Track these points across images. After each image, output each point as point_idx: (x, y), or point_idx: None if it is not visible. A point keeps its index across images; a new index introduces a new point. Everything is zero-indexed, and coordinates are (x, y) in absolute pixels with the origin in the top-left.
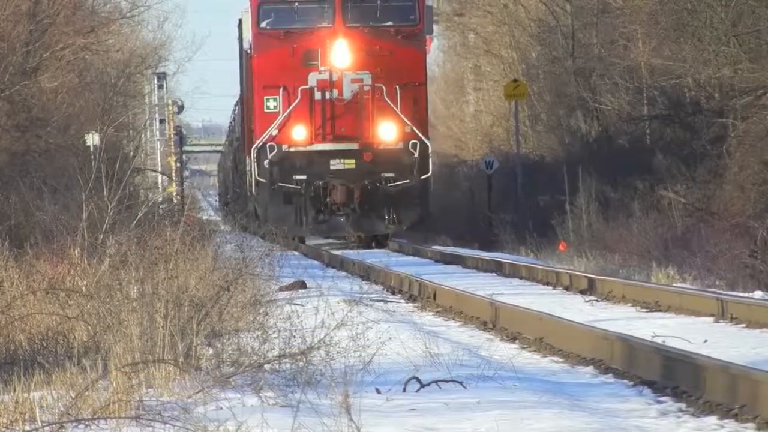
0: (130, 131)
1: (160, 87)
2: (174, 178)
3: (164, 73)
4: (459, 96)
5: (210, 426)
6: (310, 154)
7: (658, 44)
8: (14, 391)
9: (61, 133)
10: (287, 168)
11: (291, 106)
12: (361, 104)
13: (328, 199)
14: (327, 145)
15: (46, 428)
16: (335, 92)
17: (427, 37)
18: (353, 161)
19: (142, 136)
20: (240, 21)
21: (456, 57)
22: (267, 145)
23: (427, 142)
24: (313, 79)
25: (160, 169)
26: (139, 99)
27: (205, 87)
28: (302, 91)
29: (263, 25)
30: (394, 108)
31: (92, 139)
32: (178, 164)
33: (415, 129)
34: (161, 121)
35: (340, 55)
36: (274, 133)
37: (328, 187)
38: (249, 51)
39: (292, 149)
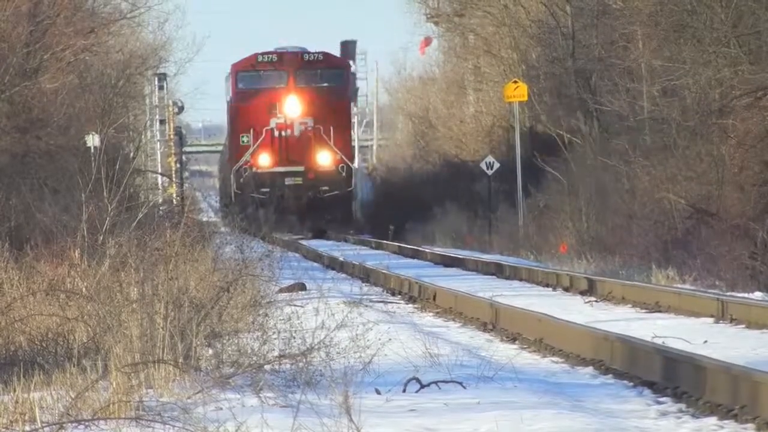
0: (131, 132)
1: (161, 88)
2: (174, 179)
3: (164, 74)
4: (459, 97)
5: (210, 426)
6: (272, 174)
7: (658, 45)
8: (14, 391)
9: (62, 135)
10: (256, 183)
11: (258, 141)
12: (306, 140)
13: (284, 205)
14: (283, 167)
15: (46, 429)
16: (288, 131)
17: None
18: (301, 179)
19: (143, 137)
20: (226, 78)
21: (456, 58)
22: (242, 168)
23: (351, 165)
24: (273, 122)
25: (160, 170)
26: (140, 100)
27: (205, 88)
28: (266, 131)
29: (240, 86)
30: (329, 143)
31: (92, 140)
32: (178, 165)
33: (343, 157)
34: (161, 122)
35: (292, 106)
36: (248, 159)
37: (284, 197)
38: (230, 102)
39: (259, 171)
